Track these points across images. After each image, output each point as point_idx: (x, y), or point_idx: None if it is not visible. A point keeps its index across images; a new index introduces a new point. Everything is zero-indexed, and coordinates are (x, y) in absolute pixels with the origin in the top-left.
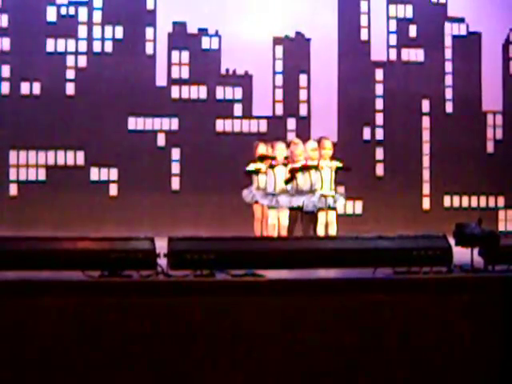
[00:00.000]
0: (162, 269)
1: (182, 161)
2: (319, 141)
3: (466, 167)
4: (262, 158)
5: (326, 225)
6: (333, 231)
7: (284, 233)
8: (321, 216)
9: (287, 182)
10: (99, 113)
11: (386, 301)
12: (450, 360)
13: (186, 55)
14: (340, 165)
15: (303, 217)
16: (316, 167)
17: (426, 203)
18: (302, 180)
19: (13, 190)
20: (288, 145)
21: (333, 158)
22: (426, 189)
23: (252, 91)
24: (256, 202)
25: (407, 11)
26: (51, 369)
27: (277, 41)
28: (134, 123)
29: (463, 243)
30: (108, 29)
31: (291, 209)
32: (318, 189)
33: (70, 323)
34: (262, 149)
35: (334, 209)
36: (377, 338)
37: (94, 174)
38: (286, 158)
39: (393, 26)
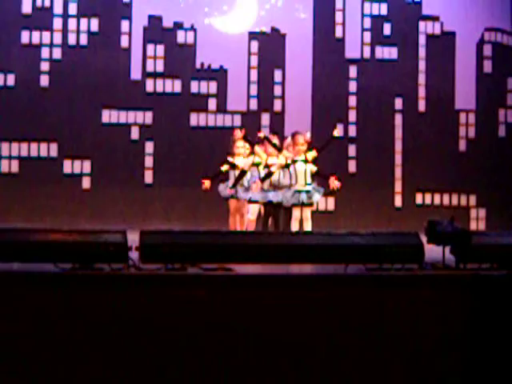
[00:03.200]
0: (133, 262)
1: (156, 154)
2: (293, 136)
3: (438, 165)
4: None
5: (301, 221)
6: (308, 227)
7: (251, 227)
8: (295, 212)
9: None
10: (73, 105)
11: (358, 297)
12: (418, 356)
13: (161, 49)
14: (315, 168)
15: (279, 211)
16: (293, 162)
17: (398, 200)
18: (282, 175)
19: None
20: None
21: (307, 151)
22: (398, 186)
23: (227, 86)
24: (232, 197)
25: (382, 9)
26: (20, 359)
27: (252, 36)
28: (108, 116)
29: (435, 241)
30: (83, 21)
31: (266, 204)
32: (293, 184)
33: (40, 315)
34: (238, 134)
35: (310, 205)
36: (347, 334)
37: (67, 166)
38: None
39: (367, 23)
